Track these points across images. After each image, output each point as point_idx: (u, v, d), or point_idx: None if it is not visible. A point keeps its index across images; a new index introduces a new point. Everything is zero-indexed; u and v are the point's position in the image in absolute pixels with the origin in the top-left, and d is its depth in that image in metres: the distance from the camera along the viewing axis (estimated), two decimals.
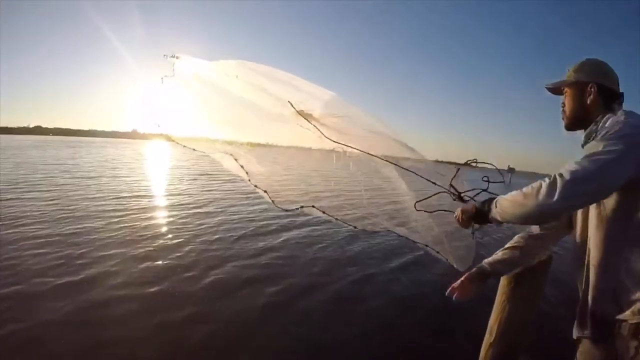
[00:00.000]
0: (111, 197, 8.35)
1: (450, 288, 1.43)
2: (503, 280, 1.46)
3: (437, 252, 1.51)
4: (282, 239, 5.57)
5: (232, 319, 3.13)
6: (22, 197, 7.58)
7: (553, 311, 3.65)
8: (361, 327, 3.14)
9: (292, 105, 1.33)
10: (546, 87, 1.35)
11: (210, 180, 12.78)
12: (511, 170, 36.00)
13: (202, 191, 10.53)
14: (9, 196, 7.50)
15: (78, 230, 5.35)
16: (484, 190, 1.37)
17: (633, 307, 1.01)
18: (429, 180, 1.44)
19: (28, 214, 6.12)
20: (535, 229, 1.40)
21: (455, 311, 3.59)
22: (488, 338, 1.47)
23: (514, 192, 1.07)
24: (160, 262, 4.29)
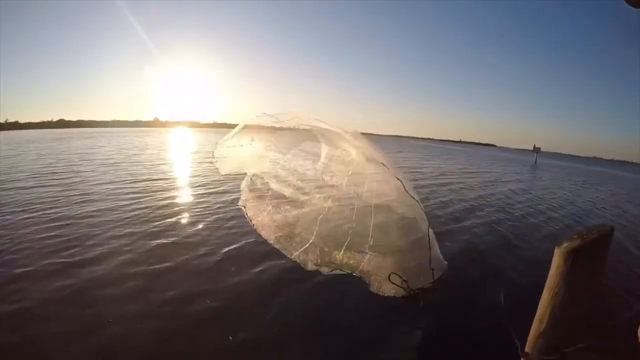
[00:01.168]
0: (128, 181, 8.38)
1: None
2: (557, 256, 1.17)
3: None
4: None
5: (240, 295, 3.02)
6: (42, 184, 7.67)
7: (612, 297, 3.33)
8: (371, 308, 2.95)
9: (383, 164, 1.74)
10: None
11: None
12: (537, 149, 34.14)
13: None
14: (29, 184, 7.61)
15: (93, 212, 5.35)
16: None
17: None
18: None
19: (46, 199, 6.18)
20: None
21: (472, 298, 3.28)
22: (537, 327, 1.19)
23: None
24: (172, 240, 4.22)
